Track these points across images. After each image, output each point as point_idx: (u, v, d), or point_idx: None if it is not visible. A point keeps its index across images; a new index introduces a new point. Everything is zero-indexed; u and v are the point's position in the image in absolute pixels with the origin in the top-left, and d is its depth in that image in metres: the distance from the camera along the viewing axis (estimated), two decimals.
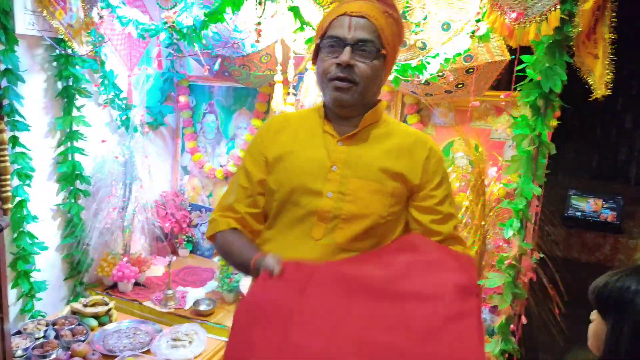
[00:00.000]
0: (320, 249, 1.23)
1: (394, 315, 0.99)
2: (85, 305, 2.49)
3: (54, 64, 2.61)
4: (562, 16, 1.66)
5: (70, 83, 2.65)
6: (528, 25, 1.68)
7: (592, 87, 1.75)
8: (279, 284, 1.08)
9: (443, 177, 1.31)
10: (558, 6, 1.65)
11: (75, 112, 2.69)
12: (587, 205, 3.99)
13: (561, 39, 1.70)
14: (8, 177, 1.56)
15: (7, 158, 1.55)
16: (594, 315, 1.20)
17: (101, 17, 2.59)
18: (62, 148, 2.69)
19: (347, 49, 1.20)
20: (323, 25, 1.27)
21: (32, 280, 2.55)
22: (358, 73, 1.22)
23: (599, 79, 1.72)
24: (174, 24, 2.45)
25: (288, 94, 2.68)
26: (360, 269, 1.09)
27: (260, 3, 2.27)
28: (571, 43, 1.72)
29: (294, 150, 1.30)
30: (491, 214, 2.25)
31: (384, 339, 0.96)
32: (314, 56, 1.31)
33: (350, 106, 1.26)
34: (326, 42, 1.24)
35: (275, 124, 1.38)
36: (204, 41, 2.49)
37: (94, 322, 2.43)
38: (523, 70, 1.80)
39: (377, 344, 0.95)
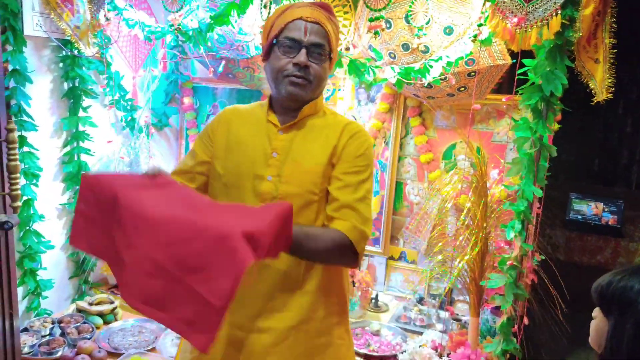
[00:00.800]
0: None
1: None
2: (90, 304, 2.51)
3: (61, 65, 2.64)
4: (563, 21, 1.69)
5: (77, 84, 2.69)
6: (529, 30, 1.71)
7: (593, 91, 1.78)
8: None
9: (362, 155, 1.40)
10: (559, 11, 1.68)
11: (81, 113, 2.72)
12: (588, 208, 4.02)
13: (562, 43, 1.73)
14: (18, 175, 1.59)
15: (17, 157, 1.57)
16: (596, 312, 1.21)
17: (108, 19, 2.63)
18: (68, 148, 2.72)
19: (303, 51, 1.34)
20: (277, 25, 1.37)
21: (38, 278, 2.57)
22: (312, 73, 1.36)
23: (600, 83, 1.75)
24: (180, 27, 2.48)
25: None
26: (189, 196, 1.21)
27: (265, 7, 2.30)
28: (572, 47, 1.75)
29: (241, 140, 1.43)
30: (493, 215, 2.28)
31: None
32: (265, 53, 1.42)
33: (303, 101, 1.40)
34: (283, 42, 1.36)
35: (227, 115, 1.51)
36: (209, 43, 2.52)
37: (99, 321, 2.46)
38: (524, 73, 1.83)
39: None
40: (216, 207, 1.20)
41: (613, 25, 1.73)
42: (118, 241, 1.10)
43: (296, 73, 1.35)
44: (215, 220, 1.04)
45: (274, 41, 1.38)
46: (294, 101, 1.40)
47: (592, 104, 1.79)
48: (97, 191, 1.18)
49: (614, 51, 1.75)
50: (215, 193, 1.45)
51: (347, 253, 1.32)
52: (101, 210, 1.16)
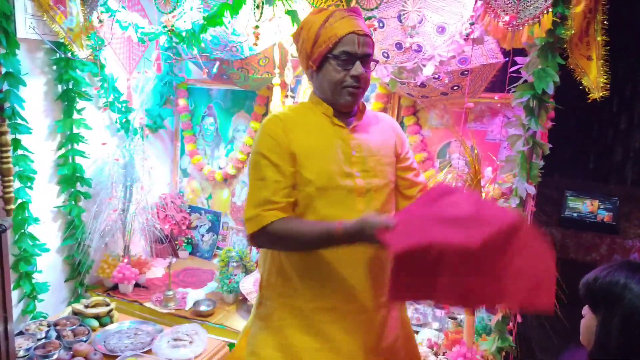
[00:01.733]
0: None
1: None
2: (86, 306, 2.51)
3: (54, 67, 2.64)
4: (554, 19, 1.70)
5: (71, 86, 2.68)
6: (521, 28, 1.72)
7: (587, 89, 1.78)
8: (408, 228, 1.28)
9: (408, 141, 1.70)
10: (550, 9, 1.69)
11: (75, 115, 2.72)
12: (583, 206, 4.02)
13: (554, 41, 1.74)
14: (11, 178, 1.59)
15: (9, 159, 1.57)
16: (585, 310, 1.22)
17: (101, 21, 2.63)
18: (62, 150, 2.72)
19: (358, 63, 1.45)
20: (331, 39, 1.44)
21: (33, 281, 2.57)
22: (364, 81, 1.49)
23: (594, 80, 1.75)
24: (173, 28, 2.48)
25: (286, 96, 2.71)
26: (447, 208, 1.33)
27: (257, 7, 2.30)
28: (564, 45, 1.76)
29: (316, 145, 1.50)
30: None
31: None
32: (318, 62, 1.48)
33: (355, 105, 1.54)
34: (340, 56, 1.45)
35: (283, 123, 1.51)
36: (202, 44, 2.52)
37: (95, 323, 2.45)
38: (517, 71, 1.84)
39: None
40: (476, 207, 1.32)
41: (605, 22, 1.74)
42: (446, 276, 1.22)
43: (354, 84, 1.46)
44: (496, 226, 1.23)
45: (329, 55, 1.46)
46: (351, 107, 1.53)
47: (588, 101, 1.79)
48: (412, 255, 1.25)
49: (607, 48, 1.75)
50: (308, 197, 1.48)
51: None
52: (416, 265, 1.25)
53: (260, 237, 1.46)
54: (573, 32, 1.70)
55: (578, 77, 1.76)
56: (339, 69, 1.45)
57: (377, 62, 1.55)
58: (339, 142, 1.51)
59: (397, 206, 1.64)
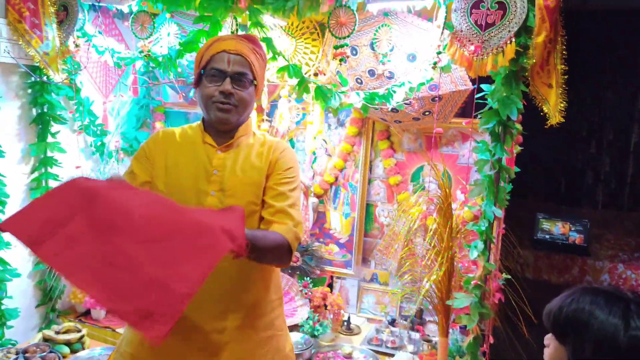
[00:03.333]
0: None
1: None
2: (57, 332, 2.46)
3: (29, 91, 2.64)
4: (517, 49, 1.77)
5: (45, 110, 2.68)
6: (485, 57, 1.78)
7: (547, 115, 1.85)
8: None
9: (289, 168, 1.58)
10: (513, 39, 1.76)
11: (50, 139, 2.71)
12: (555, 228, 4.11)
13: (517, 69, 1.81)
14: None
15: None
16: (549, 339, 1.21)
17: (77, 46, 2.64)
18: (36, 174, 2.70)
19: (227, 80, 1.49)
20: (204, 58, 1.53)
21: (3, 307, 2.51)
22: (237, 99, 1.51)
23: (553, 107, 1.82)
24: (150, 53, 2.51)
25: (262, 120, 2.74)
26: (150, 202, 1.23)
27: (233, 33, 2.35)
28: (526, 73, 1.83)
29: (181, 159, 1.56)
30: (458, 236, 2.33)
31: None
32: (196, 81, 1.57)
33: (230, 123, 1.54)
34: (209, 72, 1.51)
35: (162, 137, 1.62)
36: (179, 69, 2.55)
37: (66, 350, 2.41)
38: (483, 98, 1.90)
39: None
40: (189, 209, 1.25)
41: (564, 52, 1.82)
42: (76, 235, 1.11)
43: (222, 100, 1.49)
44: (195, 218, 1.13)
45: (202, 71, 1.53)
46: (223, 124, 1.54)
47: (552, 126, 1.86)
48: (73, 192, 1.19)
49: (566, 77, 1.83)
50: None
51: (285, 252, 1.46)
52: (62, 205, 1.17)
53: None
54: (535, 61, 1.77)
55: (539, 104, 1.83)
56: (209, 85, 1.51)
57: (252, 81, 1.53)
58: (204, 160, 1.54)
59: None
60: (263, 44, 1.66)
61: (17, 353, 2.34)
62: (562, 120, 1.78)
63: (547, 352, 1.22)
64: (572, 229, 4.06)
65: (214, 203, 1.50)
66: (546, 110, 1.81)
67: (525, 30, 1.78)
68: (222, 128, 1.56)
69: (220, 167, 1.53)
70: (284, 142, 1.68)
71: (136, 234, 1.10)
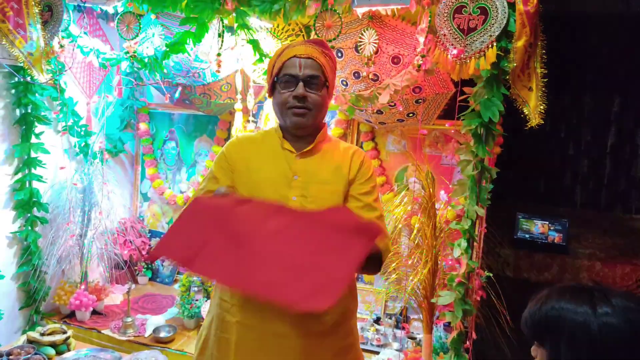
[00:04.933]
0: None
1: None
2: (42, 334, 2.45)
3: (13, 91, 2.62)
4: (498, 52, 1.82)
5: (29, 110, 2.67)
6: (468, 61, 1.83)
7: (527, 117, 1.91)
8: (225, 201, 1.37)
9: (371, 177, 1.61)
10: (494, 43, 1.81)
11: (33, 139, 2.70)
12: (535, 227, 4.18)
13: (498, 73, 1.86)
14: None
15: None
16: (534, 350, 1.24)
17: (62, 46, 2.63)
18: (19, 175, 2.68)
19: (301, 84, 1.51)
20: (276, 65, 1.55)
21: None
22: (311, 102, 1.52)
23: (533, 109, 1.88)
24: (135, 54, 2.51)
25: (248, 121, 2.77)
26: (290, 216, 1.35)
27: (219, 35, 2.37)
28: (507, 77, 1.88)
29: (260, 165, 1.58)
30: (442, 235, 2.37)
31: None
32: (270, 90, 1.60)
33: (306, 127, 1.55)
34: (282, 79, 1.53)
35: (241, 142, 1.65)
36: (165, 70, 2.56)
37: (51, 351, 2.39)
38: (465, 100, 1.95)
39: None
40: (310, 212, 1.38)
41: (543, 56, 1.88)
42: (218, 250, 1.27)
43: (297, 104, 1.51)
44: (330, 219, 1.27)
45: (275, 79, 1.55)
46: (299, 129, 1.56)
47: (530, 128, 1.91)
48: (203, 214, 1.34)
49: (546, 80, 1.89)
50: None
51: (378, 263, 1.53)
52: (198, 228, 1.31)
53: None
54: (515, 64, 1.82)
55: (520, 107, 1.88)
56: (283, 91, 1.53)
57: (325, 83, 1.55)
58: (284, 165, 1.56)
59: None
60: (331, 49, 1.68)
61: (0, 355, 2.32)
62: (542, 122, 1.84)
63: None
64: (552, 228, 4.13)
65: (294, 208, 1.50)
66: (526, 112, 1.86)
67: (506, 34, 1.83)
68: (299, 133, 1.57)
69: (301, 172, 1.55)
70: (362, 151, 1.69)
71: (270, 238, 1.24)
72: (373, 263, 1.51)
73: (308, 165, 1.56)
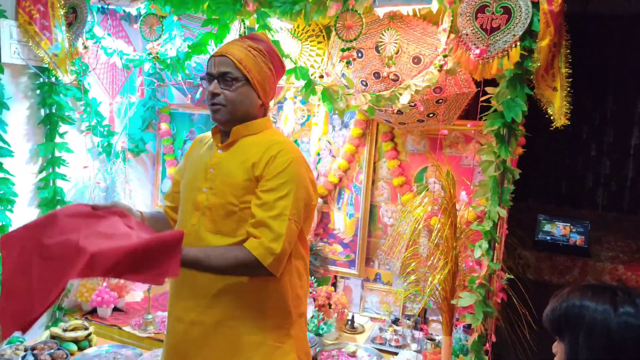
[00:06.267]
0: (194, 231, 1.56)
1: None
2: (65, 330, 2.49)
3: (38, 92, 2.67)
4: (522, 52, 1.80)
5: (54, 110, 2.71)
6: (491, 61, 1.81)
7: (552, 118, 1.89)
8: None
9: (281, 173, 1.51)
10: (518, 43, 1.79)
11: (57, 139, 2.74)
12: (557, 229, 4.13)
13: (521, 72, 1.84)
14: None
15: None
16: (555, 347, 1.25)
17: (86, 47, 2.68)
18: (43, 174, 2.73)
19: (214, 82, 1.57)
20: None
21: None
22: (224, 98, 1.56)
23: (558, 110, 1.86)
24: (158, 55, 2.54)
25: None
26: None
27: (240, 37, 2.38)
28: (531, 77, 1.86)
29: (194, 159, 1.69)
30: (462, 236, 2.35)
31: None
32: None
33: (223, 123, 1.60)
34: (204, 78, 1.63)
35: (196, 141, 1.79)
36: (186, 71, 2.59)
37: (73, 347, 2.44)
38: (488, 100, 1.94)
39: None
40: (106, 232, 1.35)
41: (568, 55, 1.85)
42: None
43: (212, 101, 1.58)
44: (83, 239, 1.25)
45: (202, 78, 1.65)
46: (218, 123, 1.62)
47: (552, 129, 1.89)
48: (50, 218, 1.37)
49: (571, 80, 1.86)
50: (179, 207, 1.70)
51: (255, 268, 1.46)
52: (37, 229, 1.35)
53: None
54: (539, 64, 1.80)
55: (544, 107, 1.86)
56: (205, 90, 1.61)
57: (240, 79, 1.55)
58: (206, 159, 1.63)
59: None
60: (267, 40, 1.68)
61: (25, 350, 2.37)
62: (567, 122, 1.82)
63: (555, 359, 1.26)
64: (573, 230, 4.08)
65: (202, 200, 1.57)
66: (551, 113, 1.84)
67: (529, 34, 1.81)
68: (224, 128, 1.62)
69: (215, 165, 1.59)
70: (284, 142, 1.59)
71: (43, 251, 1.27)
72: (243, 270, 1.48)
73: (223, 158, 1.60)
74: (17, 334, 2.55)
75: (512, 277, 2.22)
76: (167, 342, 1.67)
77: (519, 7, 1.79)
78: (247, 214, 1.52)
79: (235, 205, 1.53)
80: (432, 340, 2.56)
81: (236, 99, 1.56)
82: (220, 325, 1.55)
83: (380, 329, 2.74)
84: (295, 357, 1.62)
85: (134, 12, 2.63)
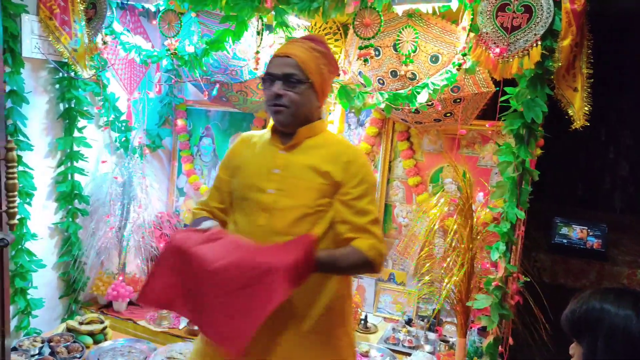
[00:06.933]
0: (262, 232, 1.55)
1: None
2: (81, 323, 2.52)
3: (57, 86, 2.69)
4: (543, 52, 1.78)
5: (73, 105, 2.74)
6: (511, 60, 1.79)
7: (572, 118, 1.86)
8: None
9: (362, 179, 1.57)
10: (539, 42, 1.77)
11: (76, 133, 2.77)
12: (573, 232, 4.07)
13: (542, 72, 1.82)
14: (15, 193, 1.62)
15: (15, 175, 1.61)
16: (573, 349, 1.24)
17: (105, 43, 2.70)
18: (62, 168, 2.76)
19: (277, 82, 1.55)
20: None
21: (28, 297, 2.58)
22: (288, 100, 1.54)
23: (578, 110, 1.83)
24: (176, 51, 2.55)
25: None
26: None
27: (258, 33, 2.39)
28: (552, 77, 1.84)
29: (249, 159, 1.65)
30: (478, 237, 2.33)
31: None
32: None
33: (286, 124, 1.58)
34: (265, 78, 1.59)
35: (243, 139, 1.73)
36: (203, 68, 2.59)
37: (89, 340, 2.46)
38: (507, 101, 1.91)
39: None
40: (259, 250, 1.44)
41: (590, 56, 1.83)
42: (191, 289, 1.41)
43: (275, 102, 1.55)
44: (260, 259, 1.36)
45: (263, 78, 1.61)
46: (281, 125, 1.59)
47: (570, 130, 1.87)
48: (174, 255, 1.44)
49: (591, 80, 1.83)
50: (234, 206, 1.66)
51: (370, 268, 1.54)
52: (170, 271, 1.44)
53: None
54: (560, 64, 1.78)
55: (564, 107, 1.83)
56: (265, 90, 1.59)
57: (303, 81, 1.54)
58: (268, 158, 1.61)
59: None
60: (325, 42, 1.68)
61: (42, 342, 2.40)
62: (587, 123, 1.79)
63: None
64: (590, 233, 4.02)
65: (269, 201, 1.55)
66: (571, 114, 1.82)
67: (551, 33, 1.78)
68: (284, 129, 1.60)
69: (281, 166, 1.58)
70: (354, 148, 1.71)
71: (213, 288, 1.36)
72: (360, 270, 1.64)
73: (289, 159, 1.59)
74: (34, 325, 2.59)
75: (528, 279, 2.20)
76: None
77: (541, 6, 1.76)
78: (320, 216, 1.56)
79: (310, 207, 1.55)
80: (446, 342, 2.54)
81: (300, 101, 1.55)
82: (319, 315, 1.58)
83: (394, 329, 2.73)
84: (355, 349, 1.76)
85: (152, 9, 2.65)
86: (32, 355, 2.30)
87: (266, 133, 1.68)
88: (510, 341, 2.10)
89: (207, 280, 1.36)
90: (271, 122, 1.67)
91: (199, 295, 1.39)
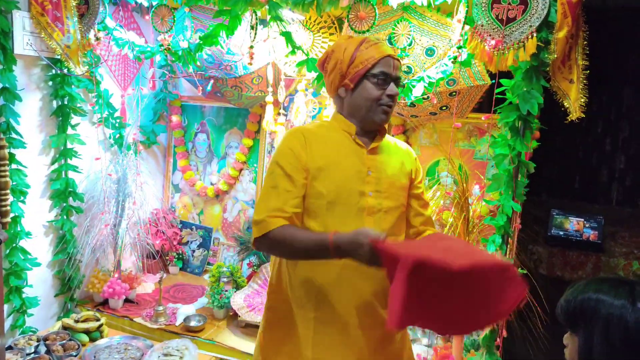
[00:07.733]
0: None
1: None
2: (76, 321, 2.51)
3: (50, 83, 2.67)
4: (539, 44, 1.77)
5: (66, 102, 2.71)
6: (506, 52, 1.78)
7: (568, 110, 1.85)
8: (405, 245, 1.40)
9: (422, 176, 1.77)
10: (534, 34, 1.76)
11: (69, 130, 2.75)
12: (570, 224, 4.08)
13: (538, 64, 1.81)
14: (8, 191, 1.61)
15: (7, 173, 1.60)
16: (566, 338, 1.24)
17: (98, 39, 2.67)
18: (56, 165, 2.74)
19: (393, 84, 1.56)
20: (365, 59, 1.54)
21: (23, 296, 2.57)
22: (395, 100, 1.59)
23: (574, 102, 1.82)
24: (170, 47, 2.53)
25: (279, 114, 2.76)
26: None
27: (252, 27, 2.36)
28: (547, 69, 1.83)
29: (333, 160, 1.56)
30: (475, 230, 2.33)
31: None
32: (355, 81, 1.56)
33: (384, 124, 1.62)
34: (379, 76, 1.55)
35: (306, 138, 1.58)
36: (198, 63, 2.57)
37: (85, 338, 2.45)
38: (503, 93, 1.91)
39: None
40: (470, 247, 1.50)
41: (586, 47, 1.82)
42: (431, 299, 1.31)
43: (390, 103, 1.56)
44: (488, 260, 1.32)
45: (367, 73, 1.55)
46: (382, 124, 1.61)
47: (566, 122, 1.86)
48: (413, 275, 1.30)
49: (587, 72, 1.83)
50: (317, 211, 1.55)
51: None
52: (414, 290, 1.32)
53: (262, 242, 1.52)
54: (556, 56, 1.77)
55: (560, 99, 1.83)
56: (376, 88, 1.55)
57: (403, 86, 1.65)
58: (356, 160, 1.57)
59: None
60: None
61: (38, 340, 2.38)
62: (582, 115, 1.78)
63: (567, 352, 1.24)
64: (587, 225, 4.03)
65: (373, 204, 1.55)
66: (567, 105, 1.81)
67: (546, 25, 1.78)
68: (375, 130, 1.62)
69: (373, 168, 1.59)
70: (408, 145, 1.78)
71: (458, 289, 1.28)
72: None
73: (377, 160, 1.60)
74: (29, 323, 2.58)
75: (524, 272, 2.19)
76: (343, 353, 1.58)
77: None
78: (405, 213, 1.67)
79: (404, 206, 1.65)
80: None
81: None
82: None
83: None
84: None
85: (145, 4, 2.62)
86: (28, 354, 2.28)
87: (330, 130, 1.62)
88: (504, 333, 2.10)
89: (451, 281, 1.27)
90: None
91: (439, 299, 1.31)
